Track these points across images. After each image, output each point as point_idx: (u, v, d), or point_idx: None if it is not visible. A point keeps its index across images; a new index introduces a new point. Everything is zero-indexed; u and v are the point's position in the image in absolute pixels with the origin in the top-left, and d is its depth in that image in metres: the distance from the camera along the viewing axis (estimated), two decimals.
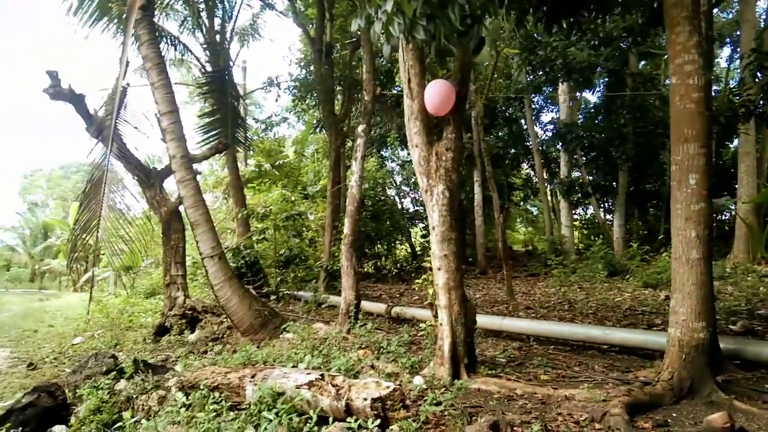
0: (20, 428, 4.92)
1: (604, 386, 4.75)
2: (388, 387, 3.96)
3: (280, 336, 8.00)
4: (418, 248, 21.97)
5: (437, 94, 5.28)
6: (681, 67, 4.19)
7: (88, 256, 18.12)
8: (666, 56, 4.50)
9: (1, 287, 31.28)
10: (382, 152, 22.60)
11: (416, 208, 23.56)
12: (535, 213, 32.11)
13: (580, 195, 17.90)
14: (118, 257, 12.28)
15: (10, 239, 44.13)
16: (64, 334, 10.71)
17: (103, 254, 14.26)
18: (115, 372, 6.02)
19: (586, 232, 23.29)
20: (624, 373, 5.35)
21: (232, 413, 4.40)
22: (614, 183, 17.70)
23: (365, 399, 3.87)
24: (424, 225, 21.77)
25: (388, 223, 19.79)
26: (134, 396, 5.31)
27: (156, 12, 10.89)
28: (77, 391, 5.82)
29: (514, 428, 3.33)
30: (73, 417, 5.20)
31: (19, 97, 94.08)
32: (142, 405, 5.14)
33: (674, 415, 3.90)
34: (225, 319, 9.01)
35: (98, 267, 24.85)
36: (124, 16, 9.88)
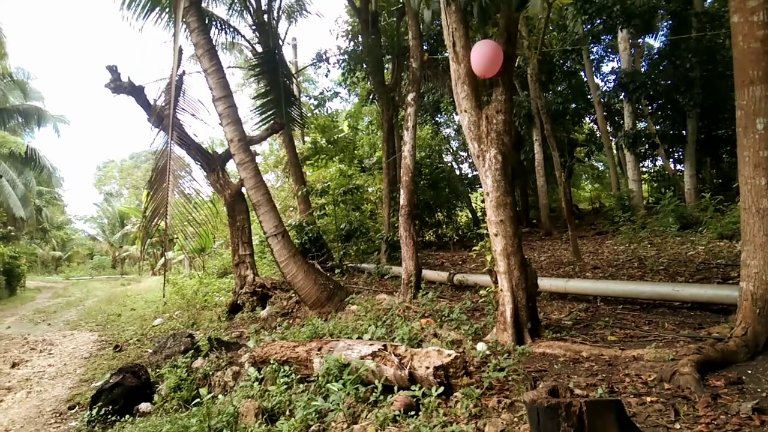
0: (110, 406, 5.32)
1: (674, 345, 4.61)
2: (450, 355, 4.00)
3: (346, 308, 8.19)
4: (479, 213, 21.72)
5: (483, 55, 5.15)
6: (743, 4, 3.89)
7: (162, 241, 19.02)
8: None
9: (87, 275, 33.42)
10: (436, 118, 22.32)
11: (475, 172, 23.21)
12: (600, 168, 31.01)
13: (647, 146, 17.02)
14: (190, 240, 12.89)
15: (91, 229, 47.06)
16: (144, 317, 11.37)
17: (177, 238, 14.96)
18: (192, 351, 6.38)
19: (655, 185, 22.25)
20: (696, 330, 5.17)
21: (301, 385, 4.59)
22: (683, 131, 16.72)
23: (428, 367, 3.93)
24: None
25: (446, 190, 19.63)
26: (210, 373, 5.62)
27: None
28: (159, 370, 6.22)
29: (575, 393, 3.29)
30: (156, 395, 5.57)
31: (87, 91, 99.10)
32: (218, 381, 5.43)
33: (749, 371, 3.74)
34: (293, 295, 9.29)
35: (173, 251, 26.09)
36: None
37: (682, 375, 3.58)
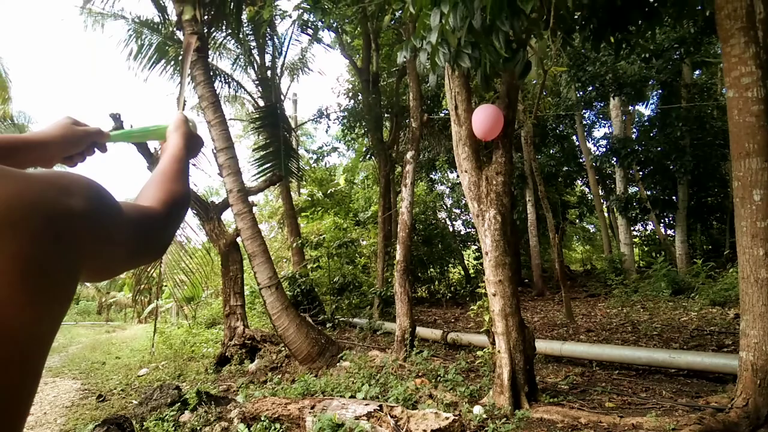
0: None
1: (673, 413, 4.55)
2: (447, 418, 3.94)
3: (337, 364, 8.04)
4: (471, 271, 21.72)
5: (485, 119, 5.29)
6: (738, 80, 4.05)
7: (151, 288, 18.78)
8: (722, 64, 4.39)
9: (71, 320, 32.77)
10: (431, 176, 22.65)
11: (468, 230, 23.39)
12: (592, 231, 31.33)
13: (638, 211, 17.29)
14: (180, 289, 12.73)
15: None
16: (130, 366, 11.09)
17: (166, 286, 14.79)
18: (179, 404, 6.20)
19: (646, 249, 22.49)
20: (694, 399, 5.11)
21: None
22: (674, 197, 17.06)
23: (425, 430, 3.85)
24: (476, 247, 21.56)
25: (440, 246, 19.68)
26: (198, 428, 5.45)
27: (209, 52, 11.37)
28: (144, 423, 6.01)
29: None
30: None
31: None
32: None
33: None
34: (283, 348, 9.13)
35: (161, 298, 25.73)
36: (180, 58, 10.39)
37: None
